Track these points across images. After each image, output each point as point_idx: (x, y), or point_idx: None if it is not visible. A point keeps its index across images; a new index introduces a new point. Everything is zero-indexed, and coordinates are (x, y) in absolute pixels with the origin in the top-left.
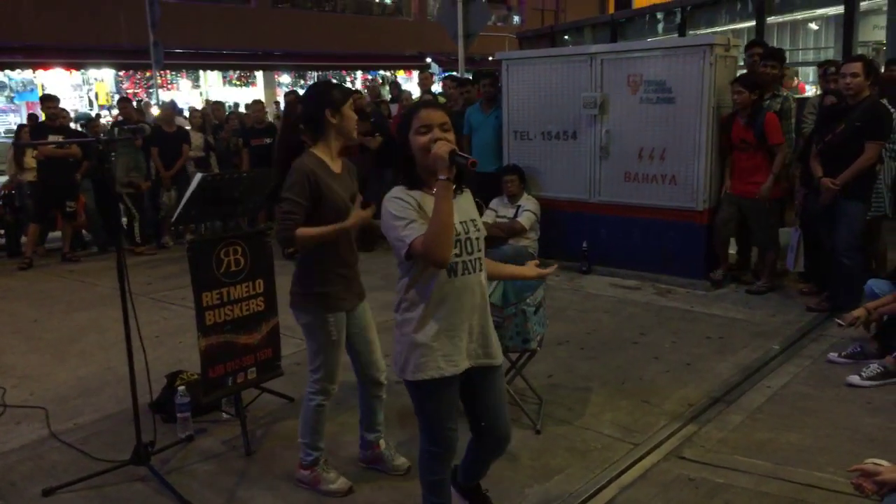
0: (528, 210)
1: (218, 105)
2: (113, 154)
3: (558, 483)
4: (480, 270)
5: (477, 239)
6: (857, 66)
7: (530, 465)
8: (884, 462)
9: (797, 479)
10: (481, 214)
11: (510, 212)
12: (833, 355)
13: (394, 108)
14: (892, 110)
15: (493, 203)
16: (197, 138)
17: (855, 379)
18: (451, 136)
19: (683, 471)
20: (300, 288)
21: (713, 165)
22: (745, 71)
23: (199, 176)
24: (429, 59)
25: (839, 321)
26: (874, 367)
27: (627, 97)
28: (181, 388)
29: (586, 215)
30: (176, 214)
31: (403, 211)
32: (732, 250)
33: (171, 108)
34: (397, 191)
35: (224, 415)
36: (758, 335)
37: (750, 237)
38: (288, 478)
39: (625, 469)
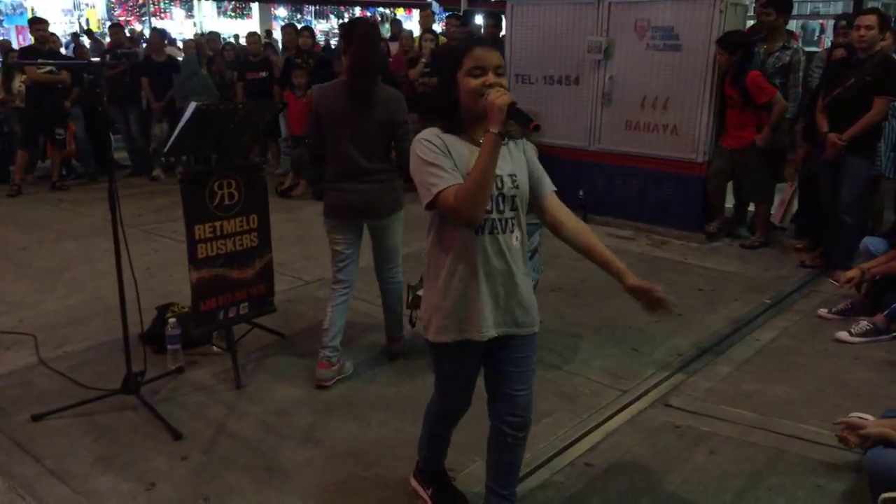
0: None
1: (213, 36)
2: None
3: (546, 426)
4: (513, 231)
5: (513, 196)
6: (871, 19)
7: None
8: (869, 416)
9: (782, 431)
10: None
11: None
12: (823, 311)
13: (393, 47)
14: None
15: None
16: None
17: (844, 335)
18: (504, 81)
19: (670, 418)
20: (398, 193)
21: (714, 117)
22: (753, 22)
23: (193, 105)
24: None
25: (834, 280)
26: (864, 324)
27: (633, 43)
28: (172, 319)
29: (585, 163)
30: (169, 144)
31: (433, 156)
32: (729, 204)
33: (159, 36)
34: (428, 132)
35: (215, 348)
36: (749, 289)
37: (743, 190)
38: (277, 412)
39: (612, 415)
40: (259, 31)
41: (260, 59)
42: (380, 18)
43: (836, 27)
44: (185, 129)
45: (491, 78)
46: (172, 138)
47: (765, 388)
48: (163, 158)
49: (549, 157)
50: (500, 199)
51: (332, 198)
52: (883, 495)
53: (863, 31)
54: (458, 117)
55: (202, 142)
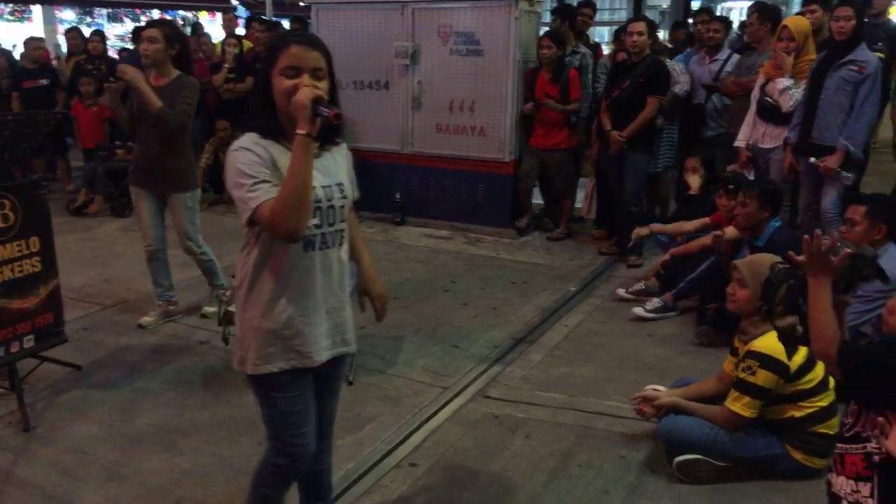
0: None
1: None
2: None
3: (370, 431)
4: (342, 244)
5: (341, 207)
6: (641, 26)
7: (342, 417)
8: (661, 387)
9: (588, 409)
10: None
11: None
12: (621, 291)
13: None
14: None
15: None
16: None
17: (639, 311)
18: (323, 84)
19: (489, 409)
20: None
21: (518, 118)
22: (546, 28)
23: None
24: (234, 1)
25: (630, 261)
26: (655, 301)
27: (438, 48)
28: None
29: (400, 166)
30: None
31: (252, 167)
32: (537, 199)
33: None
34: (247, 140)
35: None
36: (557, 278)
37: (551, 187)
38: (74, 452)
39: (434, 412)
40: (44, 36)
41: (39, 65)
42: (181, 22)
43: (617, 33)
44: None
45: (305, 80)
46: None
47: (573, 371)
48: None
49: (365, 162)
50: (331, 212)
51: None
52: (676, 459)
53: (635, 37)
54: (276, 119)
55: None
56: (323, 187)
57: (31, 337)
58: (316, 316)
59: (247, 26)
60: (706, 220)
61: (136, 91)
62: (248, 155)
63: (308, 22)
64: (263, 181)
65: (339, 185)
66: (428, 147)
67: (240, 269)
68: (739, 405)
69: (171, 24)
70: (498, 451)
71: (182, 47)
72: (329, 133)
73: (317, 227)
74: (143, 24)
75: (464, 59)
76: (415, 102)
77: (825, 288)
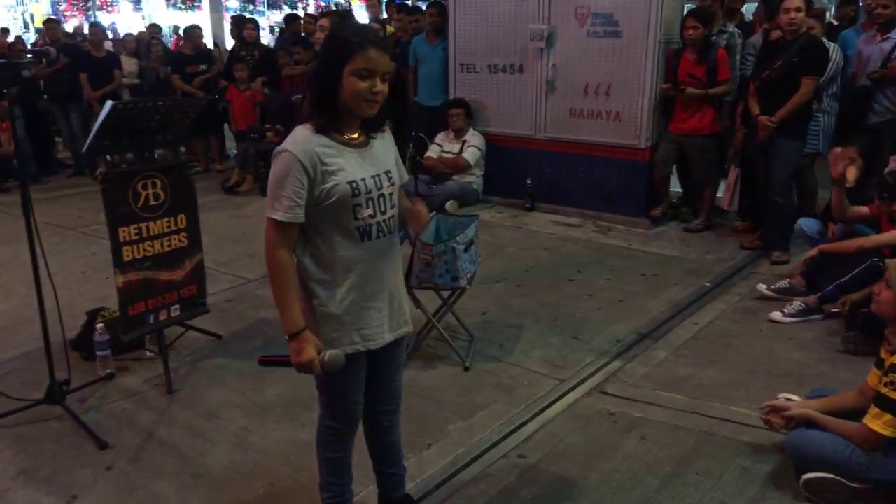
0: (473, 146)
1: (154, 28)
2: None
3: (481, 419)
4: (393, 231)
5: (391, 194)
6: (798, 1)
7: (456, 402)
8: (795, 397)
9: (712, 414)
10: (426, 149)
11: (455, 147)
12: (762, 286)
13: None
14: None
15: (439, 137)
16: (130, 64)
17: (777, 315)
18: (386, 88)
19: (605, 406)
20: None
21: (657, 102)
22: (692, 6)
23: (109, 103)
24: None
25: (774, 259)
26: (797, 303)
27: (575, 30)
28: (100, 325)
29: (531, 151)
30: (86, 144)
31: (294, 185)
32: (676, 188)
33: (100, 31)
34: (301, 142)
35: (148, 353)
36: (691, 272)
37: (691, 175)
38: (209, 416)
39: (548, 405)
40: (210, 24)
41: (195, 53)
42: (334, 8)
43: (770, 10)
44: (102, 128)
45: (378, 84)
46: (90, 137)
47: (699, 372)
48: (107, 157)
49: (497, 146)
50: (381, 200)
51: None
52: (805, 476)
53: (792, 14)
54: (336, 112)
55: (123, 141)
56: (372, 177)
57: (177, 307)
58: (377, 301)
59: (386, 9)
60: (864, 209)
61: None
62: (296, 169)
63: (444, 5)
64: (290, 198)
65: (388, 172)
66: (561, 132)
67: (298, 259)
68: (879, 423)
69: (342, 14)
70: (610, 451)
71: None
72: (377, 122)
73: (371, 216)
74: (296, 11)
75: (601, 40)
76: (549, 86)
77: None
